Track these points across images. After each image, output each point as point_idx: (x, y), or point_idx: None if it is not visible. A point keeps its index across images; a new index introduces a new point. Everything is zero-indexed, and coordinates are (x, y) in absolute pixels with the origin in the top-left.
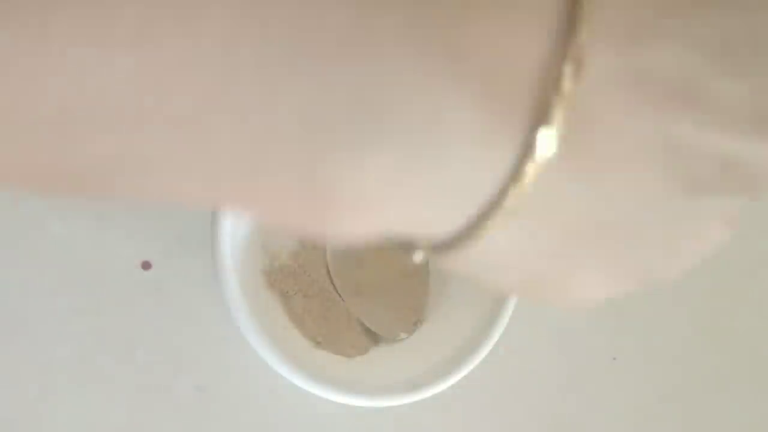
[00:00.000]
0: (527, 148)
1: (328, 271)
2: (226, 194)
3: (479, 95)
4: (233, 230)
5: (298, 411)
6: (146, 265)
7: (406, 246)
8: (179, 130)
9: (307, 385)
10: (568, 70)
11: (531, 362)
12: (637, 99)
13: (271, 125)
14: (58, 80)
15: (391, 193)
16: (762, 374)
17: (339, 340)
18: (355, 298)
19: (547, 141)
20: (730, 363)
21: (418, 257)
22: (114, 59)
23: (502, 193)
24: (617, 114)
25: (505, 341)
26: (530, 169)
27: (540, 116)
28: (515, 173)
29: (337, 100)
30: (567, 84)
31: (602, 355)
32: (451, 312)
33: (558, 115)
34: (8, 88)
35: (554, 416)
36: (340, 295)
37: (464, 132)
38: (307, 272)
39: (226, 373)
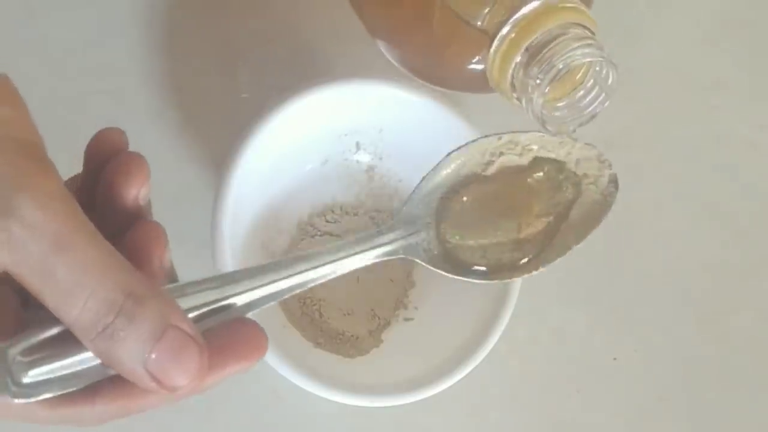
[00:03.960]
0: None
1: None
2: None
3: None
4: (233, 230)
5: (298, 411)
6: None
7: None
8: None
9: (307, 385)
10: None
11: (531, 362)
12: None
13: None
14: None
15: None
16: (762, 374)
17: (339, 340)
18: None
19: None
20: (730, 363)
21: None
22: None
23: None
24: None
25: (505, 341)
26: None
27: None
28: None
29: None
30: None
31: (602, 355)
32: (451, 312)
33: None
34: None
35: (554, 416)
36: None
37: None
38: None
39: None
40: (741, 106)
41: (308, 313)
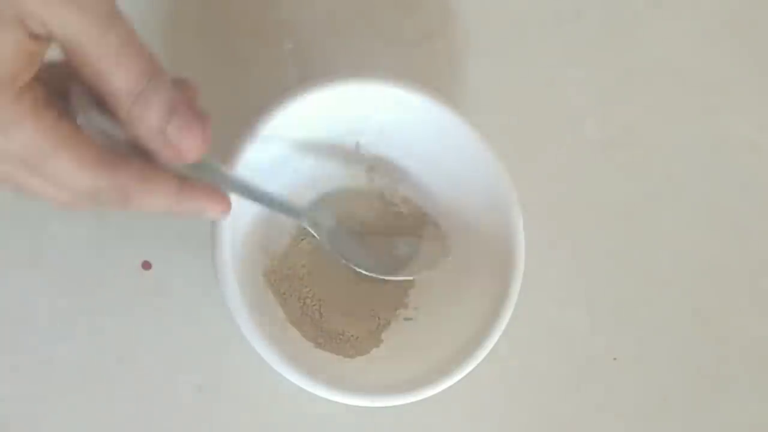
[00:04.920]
0: None
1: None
2: None
3: None
4: (233, 230)
5: (298, 411)
6: (146, 265)
7: None
8: None
9: (307, 385)
10: None
11: (531, 362)
12: None
13: None
14: None
15: None
16: (762, 374)
17: (339, 340)
18: None
19: None
20: (730, 363)
21: None
22: None
23: None
24: None
25: (505, 341)
26: None
27: None
28: None
29: None
30: None
31: (602, 355)
32: (451, 312)
33: None
34: None
35: (554, 416)
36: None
37: None
38: (298, 275)
39: (226, 373)
40: (741, 106)
41: (308, 313)
